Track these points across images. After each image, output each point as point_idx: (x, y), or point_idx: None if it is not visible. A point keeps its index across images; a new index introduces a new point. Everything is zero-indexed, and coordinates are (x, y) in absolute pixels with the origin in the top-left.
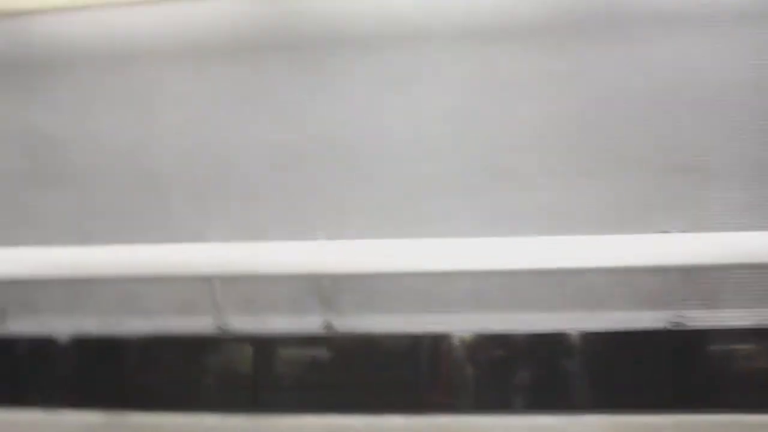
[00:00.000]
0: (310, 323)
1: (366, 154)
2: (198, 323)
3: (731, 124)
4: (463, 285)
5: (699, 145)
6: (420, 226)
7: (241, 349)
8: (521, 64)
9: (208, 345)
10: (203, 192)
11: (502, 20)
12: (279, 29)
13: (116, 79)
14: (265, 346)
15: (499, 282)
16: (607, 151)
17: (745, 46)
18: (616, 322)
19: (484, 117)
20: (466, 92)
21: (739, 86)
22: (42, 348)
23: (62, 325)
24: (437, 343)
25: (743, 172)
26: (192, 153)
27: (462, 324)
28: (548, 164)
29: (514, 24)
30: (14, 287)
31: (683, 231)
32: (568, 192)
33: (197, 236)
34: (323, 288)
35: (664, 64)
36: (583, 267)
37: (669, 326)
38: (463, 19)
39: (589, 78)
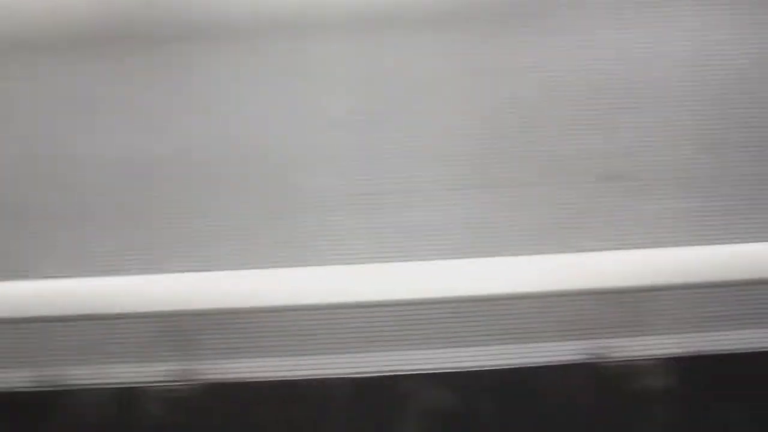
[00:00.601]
0: (163, 371)
1: (232, 167)
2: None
3: (671, 126)
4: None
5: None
6: (295, 251)
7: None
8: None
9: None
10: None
11: (400, 6)
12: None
13: None
14: (111, 399)
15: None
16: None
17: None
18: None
19: (379, 122)
20: (359, 91)
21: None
22: None
23: None
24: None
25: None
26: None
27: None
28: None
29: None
30: None
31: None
32: (480, 207)
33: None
34: (178, 329)
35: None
36: (489, 294)
37: (590, 359)
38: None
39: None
